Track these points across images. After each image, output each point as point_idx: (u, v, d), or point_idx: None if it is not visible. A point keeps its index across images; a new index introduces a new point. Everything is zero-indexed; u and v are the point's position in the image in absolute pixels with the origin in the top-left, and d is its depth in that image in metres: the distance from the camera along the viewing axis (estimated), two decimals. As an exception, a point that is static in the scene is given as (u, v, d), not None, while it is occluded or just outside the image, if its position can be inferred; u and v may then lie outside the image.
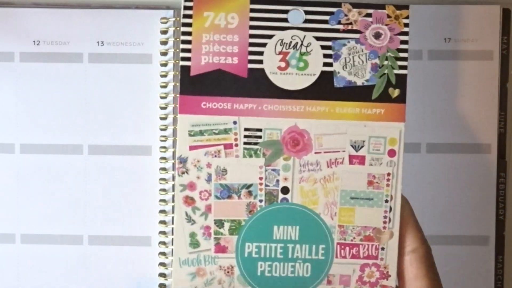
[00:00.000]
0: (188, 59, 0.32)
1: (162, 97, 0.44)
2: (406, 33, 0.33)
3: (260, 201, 0.33)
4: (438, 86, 0.45)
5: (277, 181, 0.33)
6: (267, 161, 0.33)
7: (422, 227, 0.34)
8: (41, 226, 0.45)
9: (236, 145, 0.33)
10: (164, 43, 0.45)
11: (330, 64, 0.32)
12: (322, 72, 0.32)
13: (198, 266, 0.33)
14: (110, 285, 0.45)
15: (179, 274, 0.33)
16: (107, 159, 0.45)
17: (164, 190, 0.44)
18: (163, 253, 0.45)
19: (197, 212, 0.33)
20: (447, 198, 0.45)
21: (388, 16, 0.32)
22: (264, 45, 0.32)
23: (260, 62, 0.32)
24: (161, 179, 0.45)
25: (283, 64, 0.32)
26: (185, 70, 0.32)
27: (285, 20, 0.32)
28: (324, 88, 0.32)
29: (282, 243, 0.33)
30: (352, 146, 0.33)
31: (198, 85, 0.32)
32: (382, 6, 0.32)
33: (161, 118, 0.45)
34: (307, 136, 0.33)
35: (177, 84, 0.42)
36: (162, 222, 0.45)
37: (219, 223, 0.33)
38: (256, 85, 0.32)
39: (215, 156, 0.33)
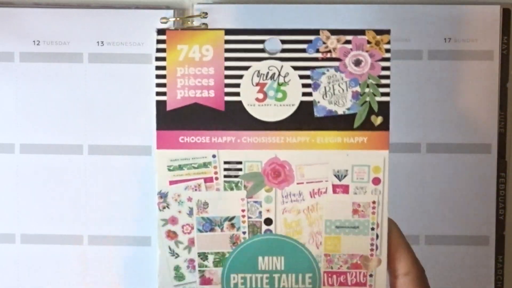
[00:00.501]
0: (164, 94, 0.32)
1: (162, 97, 0.44)
2: (387, 59, 0.32)
3: (244, 233, 0.33)
4: (438, 86, 0.45)
5: (260, 212, 0.32)
6: (248, 193, 0.32)
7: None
8: (41, 226, 0.45)
9: (217, 178, 0.32)
10: (164, 43, 0.45)
11: (310, 94, 0.32)
12: (302, 102, 0.32)
13: None
14: (110, 285, 0.45)
15: None
16: (107, 159, 0.45)
17: (164, 190, 0.44)
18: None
19: (180, 246, 0.33)
20: (447, 198, 0.45)
21: (368, 42, 0.32)
22: (240, 76, 0.32)
23: (237, 94, 0.32)
24: (161, 179, 0.45)
25: (260, 96, 0.32)
26: (161, 104, 0.32)
27: (262, 50, 0.32)
28: (304, 118, 0.32)
29: (268, 273, 0.33)
30: (335, 175, 0.32)
31: (175, 119, 0.32)
32: (361, 32, 0.32)
33: (161, 118, 0.45)
34: (288, 167, 0.32)
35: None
36: (162, 222, 0.45)
37: (203, 255, 0.33)
38: (234, 117, 0.32)
39: (196, 190, 0.32)
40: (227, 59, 0.32)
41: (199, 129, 0.32)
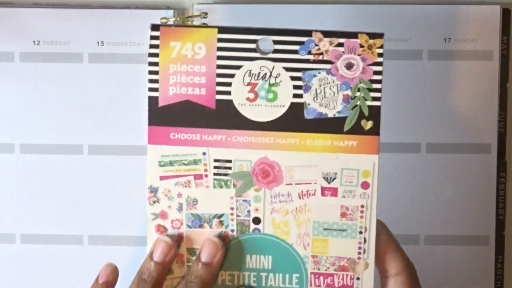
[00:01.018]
0: (156, 89, 0.32)
1: (162, 97, 0.45)
2: (379, 63, 0.32)
3: (232, 230, 0.33)
4: (438, 86, 0.45)
5: (248, 211, 0.33)
6: (237, 192, 0.33)
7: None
8: (41, 226, 0.45)
9: (206, 175, 0.32)
10: (164, 43, 0.45)
11: (300, 96, 0.32)
12: (292, 104, 0.32)
13: None
14: (110, 285, 0.45)
15: None
16: (107, 159, 0.45)
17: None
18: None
19: None
20: (447, 198, 0.45)
21: (361, 46, 0.31)
22: (232, 75, 0.32)
23: (229, 93, 0.32)
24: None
25: (251, 95, 0.32)
26: (153, 100, 0.32)
27: (254, 50, 0.32)
28: (294, 120, 0.32)
29: (255, 272, 0.33)
30: (324, 178, 0.32)
31: (166, 116, 0.32)
32: (355, 35, 0.31)
33: (161, 118, 0.45)
34: (278, 168, 0.32)
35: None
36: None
37: (192, 251, 0.33)
38: (224, 116, 0.32)
39: (186, 186, 0.33)
40: (219, 57, 0.32)
41: (190, 126, 0.32)
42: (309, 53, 0.32)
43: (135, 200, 0.45)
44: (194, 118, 0.32)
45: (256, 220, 0.33)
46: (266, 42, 0.32)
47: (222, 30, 0.32)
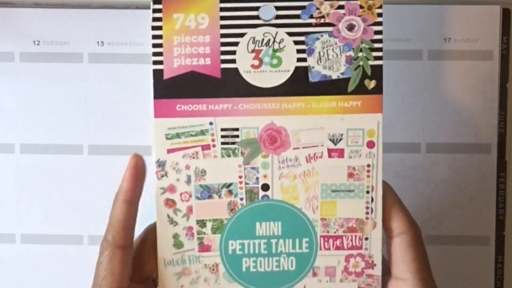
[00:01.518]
0: (161, 62, 0.32)
1: (162, 97, 0.45)
2: (380, 23, 0.32)
3: (241, 199, 0.33)
4: (438, 86, 0.45)
5: (257, 178, 0.33)
6: (245, 160, 0.33)
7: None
8: (41, 226, 0.45)
9: (214, 145, 0.33)
10: (164, 43, 0.45)
11: (304, 59, 0.32)
12: (296, 68, 0.32)
13: (183, 266, 0.33)
14: (110, 285, 0.45)
15: (165, 275, 0.33)
16: (107, 159, 0.45)
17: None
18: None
19: (178, 214, 0.33)
20: (447, 198, 0.45)
21: (361, 7, 0.32)
22: (236, 44, 0.32)
23: (233, 61, 0.32)
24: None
25: (256, 62, 0.32)
26: (158, 73, 0.32)
27: (256, 17, 0.32)
28: (299, 84, 0.32)
29: (265, 239, 0.33)
30: (330, 140, 0.33)
31: (172, 88, 0.32)
32: None
33: (161, 118, 0.45)
34: (285, 132, 0.33)
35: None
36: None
37: (201, 223, 0.33)
38: (230, 84, 0.32)
39: (193, 157, 0.33)
40: (222, 26, 0.32)
41: (196, 97, 0.32)
42: (311, 17, 0.32)
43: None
44: (200, 89, 0.32)
45: (265, 187, 0.33)
46: (268, 9, 0.32)
47: None
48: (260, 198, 0.33)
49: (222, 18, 0.32)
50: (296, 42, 0.32)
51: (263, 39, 0.32)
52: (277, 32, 0.32)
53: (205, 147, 0.33)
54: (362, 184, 0.33)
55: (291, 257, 0.33)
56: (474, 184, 0.45)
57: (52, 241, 0.45)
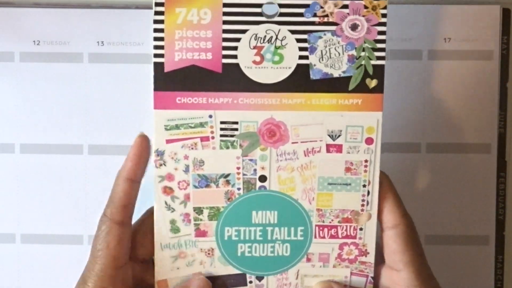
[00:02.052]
0: (162, 55, 0.32)
1: (162, 97, 0.45)
2: (384, 24, 0.32)
3: (238, 189, 0.34)
4: (438, 86, 0.45)
5: (255, 170, 0.33)
6: (244, 152, 0.33)
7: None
8: (41, 226, 0.45)
9: (213, 137, 0.33)
10: (164, 43, 0.45)
11: (306, 57, 0.32)
12: (298, 65, 0.32)
13: (179, 249, 0.34)
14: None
15: (161, 257, 0.34)
16: (107, 159, 0.45)
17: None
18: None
19: (176, 201, 0.34)
20: (447, 198, 0.45)
21: (365, 7, 0.32)
22: (238, 39, 0.32)
23: (235, 57, 0.32)
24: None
25: (258, 58, 0.32)
26: (158, 66, 0.32)
27: (259, 14, 0.32)
28: (300, 81, 0.33)
29: (261, 227, 0.34)
30: (329, 135, 0.33)
31: (172, 81, 0.32)
32: None
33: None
34: (284, 127, 0.33)
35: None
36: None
37: (198, 210, 0.34)
38: (231, 79, 0.32)
39: (192, 148, 0.33)
40: (225, 22, 0.32)
41: (196, 90, 0.33)
42: (315, 15, 0.32)
43: (135, 200, 0.45)
44: (201, 82, 0.33)
45: (262, 178, 0.33)
46: (271, 6, 0.32)
47: None
48: (257, 188, 0.34)
49: (225, 13, 0.32)
50: (298, 40, 0.32)
51: (265, 36, 0.32)
52: (279, 30, 0.32)
53: (204, 139, 0.33)
54: (359, 178, 0.33)
55: (286, 243, 0.34)
56: (474, 184, 0.45)
57: (52, 241, 0.45)
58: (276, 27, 0.32)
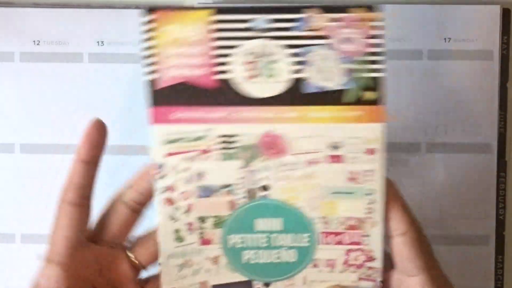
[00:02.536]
0: (153, 72, 0.32)
1: (162, 97, 0.44)
2: (379, 36, 0.32)
3: (241, 198, 0.33)
4: (438, 86, 0.45)
5: (257, 180, 0.33)
6: (245, 163, 0.33)
7: (423, 227, 0.34)
8: (41, 226, 0.45)
9: (213, 150, 0.33)
10: (164, 43, 0.45)
11: (300, 71, 0.32)
12: (292, 79, 0.32)
13: (184, 258, 0.34)
14: (110, 285, 0.45)
15: (167, 267, 0.34)
16: (107, 159, 0.45)
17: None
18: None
19: (179, 211, 0.34)
20: (447, 198, 0.45)
21: (359, 20, 0.32)
22: (230, 55, 0.32)
23: (227, 72, 0.32)
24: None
25: (250, 73, 0.32)
26: (150, 83, 0.32)
27: (250, 29, 0.32)
28: (295, 94, 0.32)
29: (266, 234, 0.34)
30: (329, 147, 0.33)
31: (166, 97, 0.32)
32: (352, 10, 0.32)
33: (161, 118, 0.45)
34: (284, 139, 0.33)
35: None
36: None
37: (202, 219, 0.34)
38: (224, 94, 0.32)
39: (192, 160, 0.33)
40: (216, 38, 0.32)
41: (192, 104, 0.32)
42: (306, 29, 0.32)
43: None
44: (195, 98, 0.32)
45: (265, 188, 0.33)
46: (262, 21, 0.32)
47: (217, 10, 0.32)
48: (260, 197, 0.33)
49: (216, 29, 0.32)
50: (291, 54, 0.32)
51: (257, 51, 0.32)
52: (271, 44, 0.32)
53: (204, 151, 0.33)
54: (362, 188, 0.33)
55: (292, 249, 0.34)
56: (474, 184, 0.45)
57: (52, 241, 0.45)
58: (267, 41, 0.32)
